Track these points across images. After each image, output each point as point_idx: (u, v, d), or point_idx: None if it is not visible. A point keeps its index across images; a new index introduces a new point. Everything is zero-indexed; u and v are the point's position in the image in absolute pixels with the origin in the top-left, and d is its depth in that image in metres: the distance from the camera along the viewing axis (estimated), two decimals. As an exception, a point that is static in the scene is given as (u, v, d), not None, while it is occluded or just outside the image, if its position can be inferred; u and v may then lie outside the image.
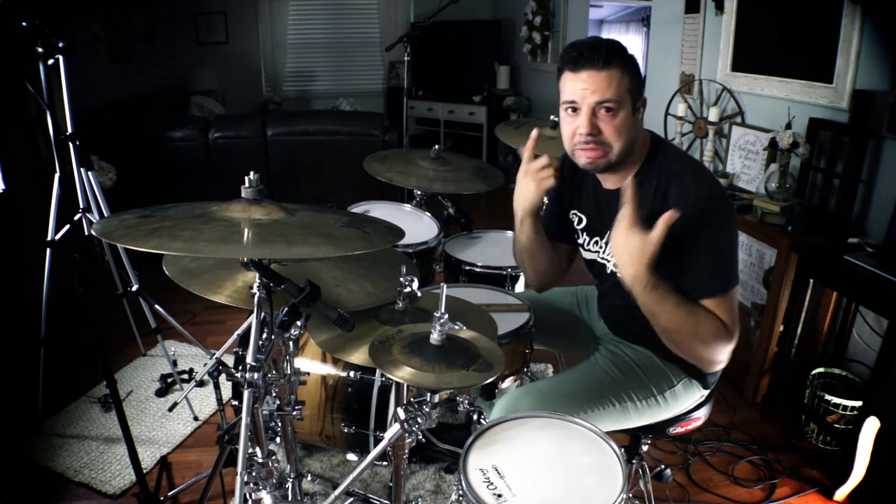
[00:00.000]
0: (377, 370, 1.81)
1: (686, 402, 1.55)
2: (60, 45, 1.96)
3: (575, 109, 1.36)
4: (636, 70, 1.35)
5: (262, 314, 1.24)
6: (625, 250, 1.28)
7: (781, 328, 2.47)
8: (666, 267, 1.29)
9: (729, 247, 1.37)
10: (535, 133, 1.50)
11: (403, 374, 1.15)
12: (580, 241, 1.62)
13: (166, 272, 1.39)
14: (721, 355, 1.35)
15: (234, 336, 2.16)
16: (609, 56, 1.30)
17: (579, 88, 1.32)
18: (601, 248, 1.55)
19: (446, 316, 1.20)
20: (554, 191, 1.53)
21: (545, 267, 1.66)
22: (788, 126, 2.61)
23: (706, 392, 1.58)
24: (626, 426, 1.54)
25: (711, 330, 1.31)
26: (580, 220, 1.61)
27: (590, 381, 1.53)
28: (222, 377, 1.38)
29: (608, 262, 1.53)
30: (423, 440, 1.43)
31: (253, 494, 1.36)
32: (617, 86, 1.31)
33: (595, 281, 1.70)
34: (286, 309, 1.20)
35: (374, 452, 1.33)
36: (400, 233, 1.33)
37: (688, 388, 1.53)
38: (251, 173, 1.22)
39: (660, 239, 1.24)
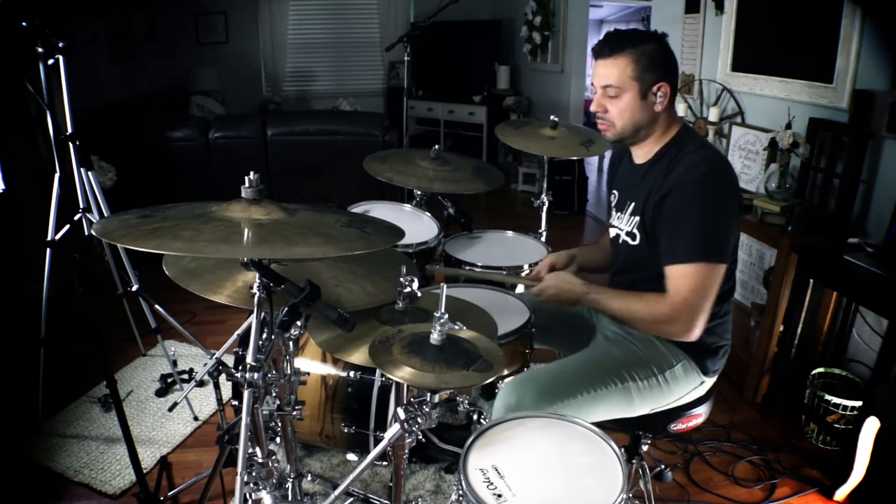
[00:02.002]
0: (377, 370, 1.81)
1: (686, 387, 1.58)
2: (60, 45, 1.96)
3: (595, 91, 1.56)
4: (652, 59, 1.46)
5: (262, 314, 1.24)
6: (559, 291, 1.60)
7: (781, 328, 2.47)
8: (659, 231, 1.48)
9: (709, 223, 1.42)
10: None
11: (403, 374, 1.15)
12: (611, 219, 1.71)
13: (166, 272, 1.39)
14: (668, 328, 1.47)
15: (234, 336, 2.16)
16: (616, 47, 1.47)
17: (594, 74, 1.54)
18: (620, 220, 1.64)
19: (446, 316, 1.21)
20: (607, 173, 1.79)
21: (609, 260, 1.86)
22: (788, 126, 2.61)
23: (707, 380, 1.60)
24: (629, 411, 1.56)
25: (646, 311, 1.48)
26: (615, 197, 1.71)
27: (592, 361, 1.59)
28: (222, 377, 1.38)
29: (621, 231, 1.63)
30: (423, 440, 1.43)
31: (253, 494, 1.36)
32: (619, 73, 1.47)
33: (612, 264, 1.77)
34: (286, 309, 1.20)
35: (374, 452, 1.33)
36: (400, 233, 1.34)
37: (687, 371, 1.57)
38: (251, 173, 1.22)
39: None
